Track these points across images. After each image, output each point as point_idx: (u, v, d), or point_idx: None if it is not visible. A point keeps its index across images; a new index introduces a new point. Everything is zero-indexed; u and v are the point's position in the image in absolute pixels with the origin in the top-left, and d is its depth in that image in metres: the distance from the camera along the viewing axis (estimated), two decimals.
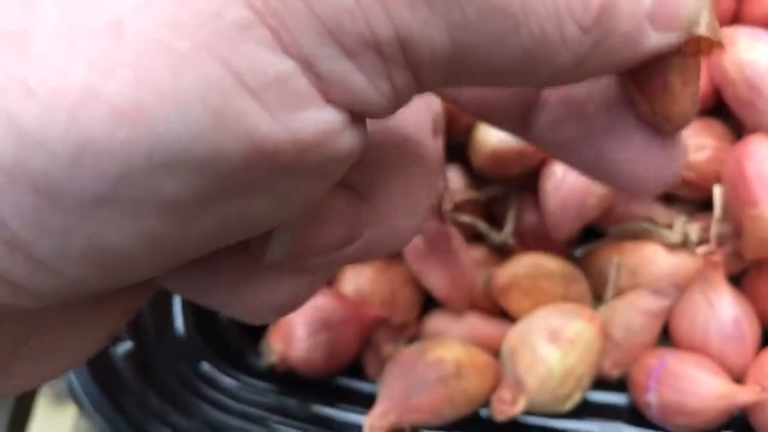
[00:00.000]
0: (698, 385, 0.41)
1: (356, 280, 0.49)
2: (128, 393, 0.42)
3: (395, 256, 0.48)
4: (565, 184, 0.45)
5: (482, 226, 0.49)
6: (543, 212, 0.46)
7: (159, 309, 0.47)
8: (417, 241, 0.46)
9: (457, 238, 0.47)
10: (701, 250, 0.45)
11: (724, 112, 0.47)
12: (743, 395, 0.40)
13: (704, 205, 0.46)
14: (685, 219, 0.46)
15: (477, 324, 0.48)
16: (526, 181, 0.48)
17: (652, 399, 0.42)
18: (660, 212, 0.47)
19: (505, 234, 0.48)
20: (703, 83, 0.45)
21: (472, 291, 0.48)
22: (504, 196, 0.49)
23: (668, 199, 0.48)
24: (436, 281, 0.47)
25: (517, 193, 0.49)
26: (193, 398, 0.45)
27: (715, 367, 0.42)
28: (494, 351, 0.46)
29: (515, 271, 0.47)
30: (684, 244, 0.46)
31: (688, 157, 0.45)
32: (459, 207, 0.48)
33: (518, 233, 0.49)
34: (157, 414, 0.42)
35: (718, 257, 0.43)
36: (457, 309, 0.48)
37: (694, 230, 0.46)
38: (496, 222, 0.50)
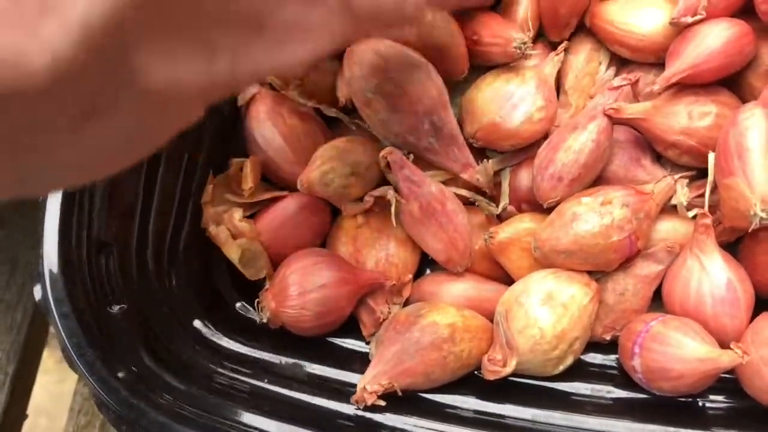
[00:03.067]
0: (680, 349, 0.41)
1: (352, 242, 0.49)
2: (121, 354, 0.42)
3: (389, 220, 0.48)
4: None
5: (480, 199, 0.49)
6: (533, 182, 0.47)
7: (153, 270, 0.47)
8: (413, 208, 0.46)
9: (452, 200, 0.47)
10: (692, 213, 0.45)
11: (735, 80, 0.47)
12: (725, 359, 0.40)
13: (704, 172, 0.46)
14: (672, 181, 0.46)
15: (474, 286, 0.48)
16: (517, 153, 0.48)
17: (637, 364, 0.43)
18: (657, 175, 0.47)
19: (502, 207, 0.48)
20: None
21: (472, 251, 0.47)
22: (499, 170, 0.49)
23: (669, 166, 0.48)
24: (435, 244, 0.47)
25: (510, 167, 0.49)
26: (186, 357, 0.45)
27: (701, 330, 0.42)
28: (489, 313, 0.46)
29: (516, 228, 0.47)
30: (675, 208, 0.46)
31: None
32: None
33: (513, 199, 0.49)
34: (153, 377, 0.42)
35: (708, 220, 0.43)
36: (458, 270, 0.48)
37: (684, 194, 0.46)
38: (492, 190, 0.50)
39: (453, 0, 0.45)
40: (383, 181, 0.48)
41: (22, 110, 0.18)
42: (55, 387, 0.68)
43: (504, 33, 0.47)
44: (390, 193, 0.46)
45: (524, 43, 0.47)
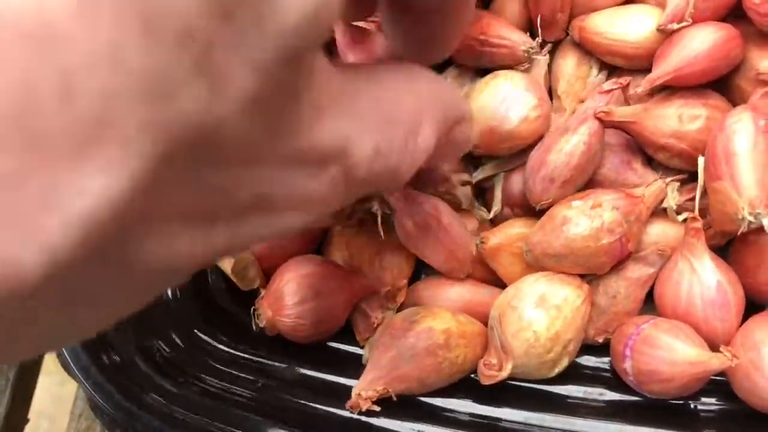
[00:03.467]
0: (670, 352, 0.41)
1: (346, 247, 0.50)
2: (118, 360, 0.42)
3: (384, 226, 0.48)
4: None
5: (472, 206, 0.49)
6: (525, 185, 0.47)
7: None
8: (408, 225, 0.46)
9: (446, 213, 0.47)
10: (682, 217, 0.45)
11: (726, 84, 0.47)
12: (715, 362, 0.40)
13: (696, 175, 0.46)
14: (663, 184, 0.46)
15: (469, 289, 0.48)
16: (512, 158, 0.49)
17: (628, 366, 0.43)
18: (648, 178, 0.47)
19: (494, 213, 0.49)
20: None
21: (471, 258, 0.48)
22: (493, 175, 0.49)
23: (660, 169, 0.48)
24: (435, 257, 0.47)
25: (503, 172, 0.49)
26: (180, 361, 0.46)
27: (691, 333, 0.42)
28: (485, 316, 0.46)
29: (507, 233, 0.47)
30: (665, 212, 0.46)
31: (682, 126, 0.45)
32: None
33: (506, 203, 0.49)
34: (147, 380, 0.42)
35: (698, 224, 0.43)
36: (461, 276, 0.48)
37: (674, 198, 0.46)
38: (484, 195, 0.50)
39: (449, 156, 0.43)
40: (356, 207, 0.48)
41: (9, 308, 0.17)
42: (57, 390, 0.69)
43: (512, 35, 0.48)
44: (375, 206, 0.47)
45: (532, 48, 0.47)
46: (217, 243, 0.21)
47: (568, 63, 0.51)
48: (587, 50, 0.50)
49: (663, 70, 0.45)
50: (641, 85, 0.46)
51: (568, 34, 0.51)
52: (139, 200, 0.17)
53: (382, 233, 0.46)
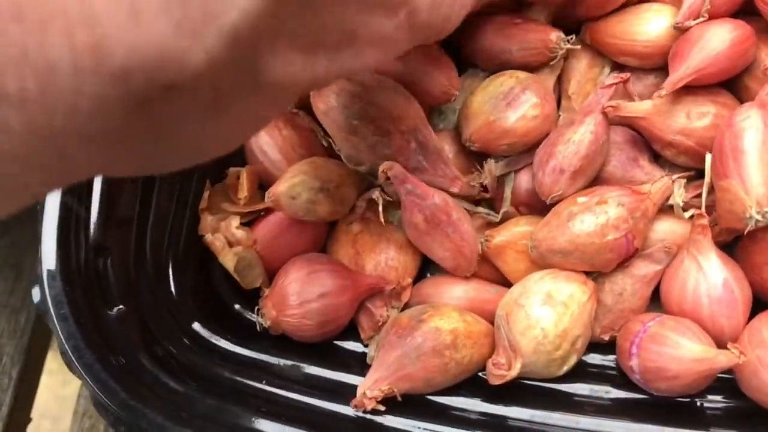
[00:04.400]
0: (677, 349, 0.41)
1: (352, 245, 0.49)
2: (120, 355, 0.42)
3: (387, 224, 0.48)
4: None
5: (480, 210, 0.49)
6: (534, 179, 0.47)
7: (153, 272, 0.47)
8: (418, 220, 0.46)
9: (457, 209, 0.47)
10: (689, 214, 0.45)
11: (736, 83, 0.47)
12: (722, 359, 0.40)
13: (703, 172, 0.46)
14: (670, 181, 0.46)
15: (475, 287, 0.48)
16: (519, 157, 0.49)
17: (634, 364, 0.43)
18: (655, 175, 0.47)
19: (502, 214, 0.49)
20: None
21: (477, 256, 0.48)
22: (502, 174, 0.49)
23: (667, 165, 0.48)
24: (442, 253, 0.47)
25: (513, 171, 0.49)
26: (185, 359, 0.45)
27: (698, 331, 0.42)
28: (491, 314, 0.46)
29: (512, 231, 0.47)
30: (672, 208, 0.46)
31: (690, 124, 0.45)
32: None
33: (513, 202, 0.49)
34: (152, 378, 0.42)
35: (705, 221, 0.43)
36: (466, 275, 0.48)
37: (681, 195, 0.46)
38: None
39: None
40: (358, 200, 0.49)
41: (172, 101, 0.22)
42: (60, 389, 0.69)
43: (543, 32, 0.48)
44: (376, 194, 0.47)
45: (559, 42, 0.48)
46: (318, 70, 0.27)
47: (581, 64, 0.51)
48: (599, 51, 0.50)
49: (684, 72, 0.44)
50: (664, 87, 0.45)
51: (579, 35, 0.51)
52: (267, 21, 0.22)
53: (382, 219, 0.46)
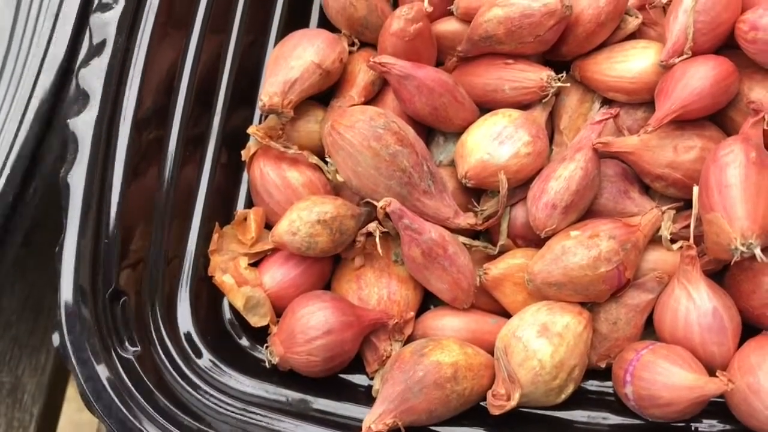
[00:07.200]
0: (668, 377, 0.42)
1: (356, 280, 0.51)
2: (137, 395, 0.44)
3: (389, 259, 0.51)
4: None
5: (478, 243, 0.51)
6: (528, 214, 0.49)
7: (165, 312, 0.49)
8: (415, 254, 0.48)
9: (453, 243, 0.49)
10: (677, 245, 0.47)
11: (721, 116, 0.48)
12: (711, 386, 0.42)
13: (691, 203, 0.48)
14: (659, 213, 0.48)
15: (475, 319, 0.50)
16: (514, 192, 0.50)
17: (629, 391, 0.44)
18: (646, 206, 0.48)
19: (499, 247, 0.50)
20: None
21: (475, 288, 0.49)
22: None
23: (657, 196, 0.50)
24: (440, 286, 0.49)
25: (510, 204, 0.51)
26: (197, 396, 0.47)
27: (689, 358, 0.43)
28: (492, 345, 0.47)
29: (508, 264, 0.49)
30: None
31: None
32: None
33: (509, 235, 0.51)
34: (167, 418, 0.44)
35: (693, 251, 0.45)
36: (464, 306, 0.50)
37: (668, 227, 0.47)
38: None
39: None
40: (358, 235, 0.50)
41: None
42: (78, 416, 0.70)
43: (534, 72, 0.51)
44: (373, 227, 0.49)
45: (550, 81, 0.50)
46: None
47: (572, 100, 0.53)
48: (589, 87, 0.52)
49: (669, 108, 0.46)
50: (650, 123, 0.47)
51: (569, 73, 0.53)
52: None
53: (380, 251, 0.48)
